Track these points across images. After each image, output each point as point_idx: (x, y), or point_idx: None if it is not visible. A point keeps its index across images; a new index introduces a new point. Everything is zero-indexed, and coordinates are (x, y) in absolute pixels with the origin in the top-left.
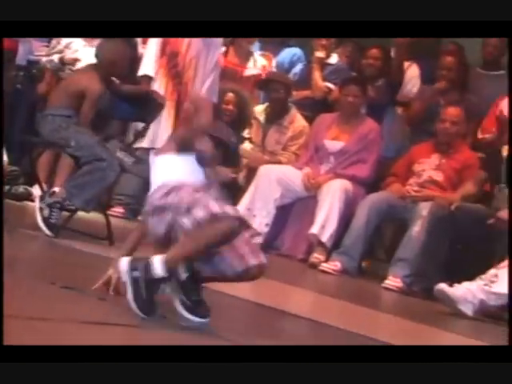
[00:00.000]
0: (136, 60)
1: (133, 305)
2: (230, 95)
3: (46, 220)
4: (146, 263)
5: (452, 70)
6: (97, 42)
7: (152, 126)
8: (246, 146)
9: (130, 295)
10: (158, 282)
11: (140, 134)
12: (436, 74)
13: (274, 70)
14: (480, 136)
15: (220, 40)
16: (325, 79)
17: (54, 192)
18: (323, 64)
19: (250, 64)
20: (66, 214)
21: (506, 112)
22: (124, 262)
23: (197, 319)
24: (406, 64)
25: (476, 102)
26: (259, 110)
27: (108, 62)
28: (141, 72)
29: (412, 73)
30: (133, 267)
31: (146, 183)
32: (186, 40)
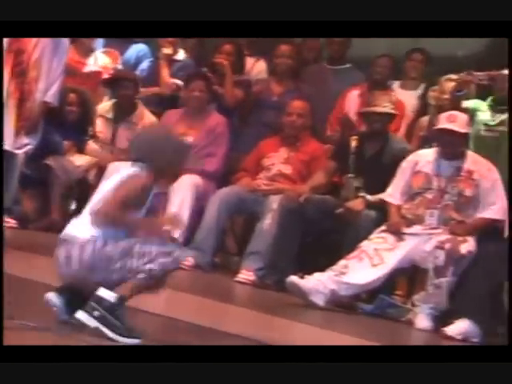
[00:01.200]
0: None
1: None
2: (72, 96)
3: None
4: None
5: (289, 58)
6: None
7: None
8: (92, 144)
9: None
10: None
11: None
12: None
13: (121, 66)
14: (328, 133)
15: (68, 43)
16: (173, 76)
17: None
18: (171, 60)
19: (91, 61)
20: None
21: (352, 105)
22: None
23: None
24: (253, 59)
25: (309, 92)
26: (106, 106)
27: None
28: None
29: (259, 67)
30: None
31: None
32: (34, 39)
